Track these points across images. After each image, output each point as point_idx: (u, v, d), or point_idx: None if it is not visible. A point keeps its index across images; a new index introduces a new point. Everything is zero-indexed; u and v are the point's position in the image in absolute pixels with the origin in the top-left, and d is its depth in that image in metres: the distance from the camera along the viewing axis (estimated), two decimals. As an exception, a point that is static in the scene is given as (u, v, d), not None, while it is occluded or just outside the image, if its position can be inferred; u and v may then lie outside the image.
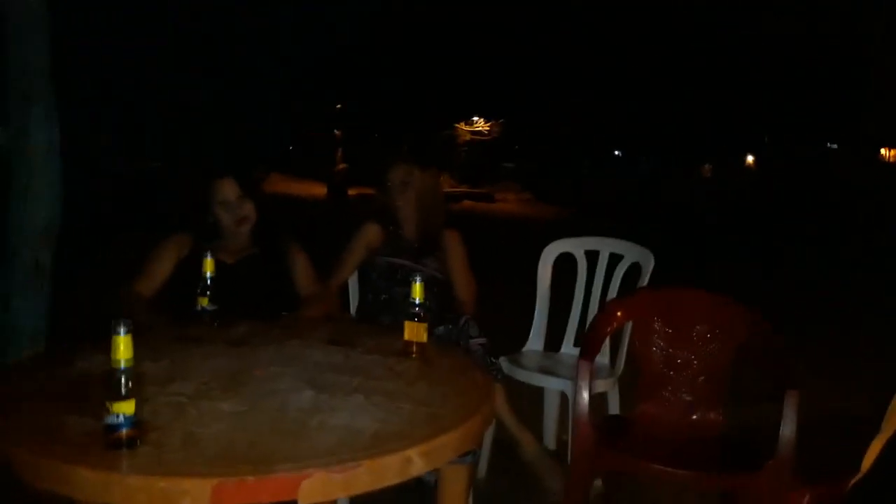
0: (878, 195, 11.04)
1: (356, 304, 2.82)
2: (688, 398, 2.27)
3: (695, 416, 2.25)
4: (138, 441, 1.17)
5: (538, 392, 2.93)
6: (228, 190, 2.40)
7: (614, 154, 24.91)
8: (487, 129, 26.20)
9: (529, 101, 21.22)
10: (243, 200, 2.41)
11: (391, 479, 1.20)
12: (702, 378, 2.28)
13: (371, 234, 2.73)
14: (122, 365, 1.15)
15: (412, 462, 1.21)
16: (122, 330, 1.15)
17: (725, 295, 2.31)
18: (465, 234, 2.77)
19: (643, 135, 21.71)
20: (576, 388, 2.12)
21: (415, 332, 1.76)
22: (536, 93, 20.47)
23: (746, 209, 13.98)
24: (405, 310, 1.78)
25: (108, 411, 1.14)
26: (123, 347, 1.15)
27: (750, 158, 24.24)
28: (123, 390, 1.15)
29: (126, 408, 1.14)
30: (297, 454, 1.18)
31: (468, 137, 26.20)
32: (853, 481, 1.30)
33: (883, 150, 21.24)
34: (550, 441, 2.93)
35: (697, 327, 2.32)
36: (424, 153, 2.97)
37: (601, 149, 23.33)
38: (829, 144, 22.14)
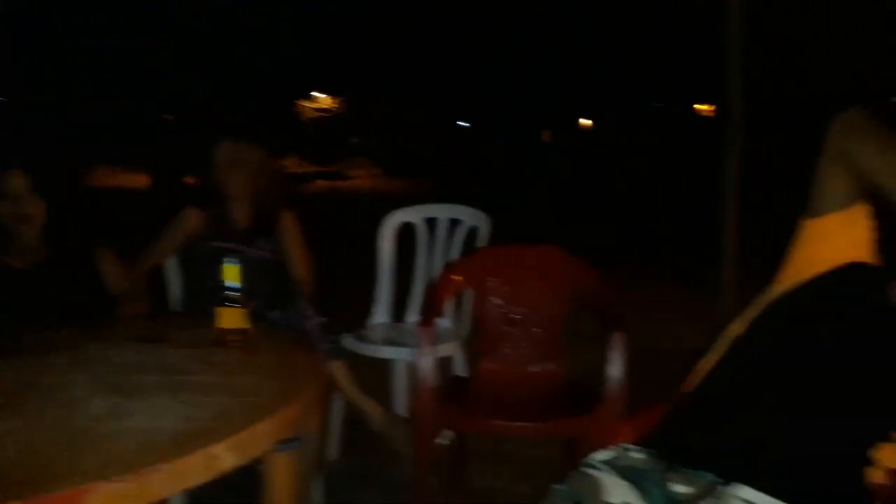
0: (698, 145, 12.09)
1: (182, 297, 2.62)
2: (526, 351, 2.32)
3: (534, 369, 2.31)
4: None
5: (387, 364, 2.88)
6: (14, 183, 2.13)
7: (458, 124, 25.35)
8: (334, 105, 25.63)
9: (371, 75, 21.00)
10: (31, 196, 2.14)
11: (196, 478, 1.08)
12: (538, 330, 2.34)
13: (190, 219, 2.54)
14: None
15: (219, 458, 1.10)
16: None
17: (553, 247, 2.37)
18: (320, 214, 2.67)
19: (486, 105, 22.24)
20: (417, 354, 2.09)
21: (230, 318, 1.63)
22: (377, 66, 20.28)
23: (584, 168, 14.72)
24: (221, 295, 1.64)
25: None
26: None
27: (585, 121, 25.56)
28: None
29: None
30: (81, 468, 1.03)
31: (313, 115, 25.49)
32: (669, 406, 1.34)
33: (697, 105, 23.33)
34: (401, 411, 2.90)
35: (530, 282, 2.37)
36: (257, 131, 2.79)
37: (445, 120, 23.66)
38: (653, 104, 23.83)
